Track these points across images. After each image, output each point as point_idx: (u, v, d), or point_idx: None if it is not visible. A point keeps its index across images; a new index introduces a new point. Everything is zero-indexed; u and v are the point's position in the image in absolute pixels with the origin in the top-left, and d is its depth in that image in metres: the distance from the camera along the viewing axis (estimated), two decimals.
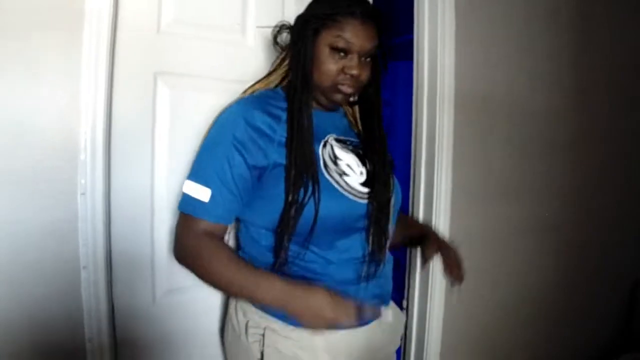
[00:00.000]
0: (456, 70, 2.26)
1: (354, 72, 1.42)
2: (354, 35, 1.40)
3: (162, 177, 1.82)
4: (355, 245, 1.48)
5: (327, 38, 1.42)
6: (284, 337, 1.43)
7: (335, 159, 1.47)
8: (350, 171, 1.48)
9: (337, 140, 1.54)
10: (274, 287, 1.33)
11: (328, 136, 1.53)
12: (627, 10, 3.11)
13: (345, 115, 1.70)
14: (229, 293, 1.55)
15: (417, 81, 2.33)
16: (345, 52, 1.42)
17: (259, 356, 1.46)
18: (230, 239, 1.70)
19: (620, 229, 3.23)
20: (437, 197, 2.26)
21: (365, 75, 1.47)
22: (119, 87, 1.70)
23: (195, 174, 1.44)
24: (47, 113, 1.54)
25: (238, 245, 1.65)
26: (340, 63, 1.43)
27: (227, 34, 1.90)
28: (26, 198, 1.52)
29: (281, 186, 1.39)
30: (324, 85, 1.46)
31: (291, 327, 1.42)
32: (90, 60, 1.59)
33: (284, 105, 1.48)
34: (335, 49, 1.41)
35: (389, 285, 1.64)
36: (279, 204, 1.40)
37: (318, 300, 1.29)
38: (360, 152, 1.57)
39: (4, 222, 1.49)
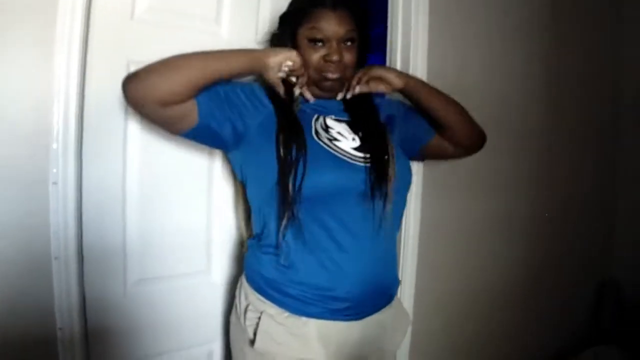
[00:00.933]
0: (429, 63, 2.28)
1: (334, 57, 1.49)
2: (326, 23, 1.48)
3: (134, 168, 1.81)
4: (355, 212, 1.47)
5: (304, 32, 1.51)
6: (278, 323, 1.46)
7: (326, 128, 1.52)
8: (341, 137, 1.51)
9: (331, 118, 1.59)
10: (238, 53, 1.47)
11: (323, 115, 1.58)
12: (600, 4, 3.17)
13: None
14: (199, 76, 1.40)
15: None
16: (323, 41, 1.49)
17: (252, 337, 1.48)
18: None
19: (588, 224, 3.29)
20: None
21: (348, 58, 1.53)
22: (92, 75, 1.68)
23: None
24: (20, 101, 1.53)
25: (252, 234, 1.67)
26: (320, 52, 1.50)
27: (202, 23, 1.88)
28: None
29: (271, 148, 1.44)
30: (312, 76, 1.53)
31: (286, 314, 1.46)
32: (63, 48, 1.56)
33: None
34: (313, 40, 1.49)
35: (393, 268, 1.68)
36: (272, 168, 1.42)
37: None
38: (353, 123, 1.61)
39: None
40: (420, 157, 1.87)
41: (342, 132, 1.53)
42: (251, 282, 1.56)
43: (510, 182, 2.76)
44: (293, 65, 1.46)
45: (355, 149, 1.50)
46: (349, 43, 1.53)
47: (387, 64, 2.33)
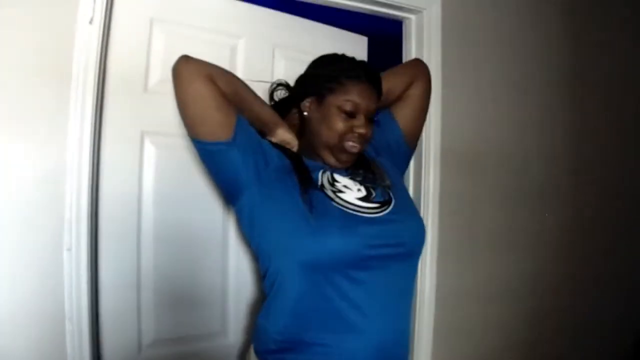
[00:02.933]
0: (442, 124, 2.29)
1: (362, 130, 1.50)
2: (360, 97, 1.49)
3: (149, 229, 1.89)
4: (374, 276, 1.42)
5: (335, 100, 1.50)
6: None
7: (333, 182, 1.51)
8: (346, 189, 1.50)
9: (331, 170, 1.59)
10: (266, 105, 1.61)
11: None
12: (624, 41, 3.10)
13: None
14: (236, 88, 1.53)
15: None
16: (354, 114, 1.50)
17: None
18: None
19: (616, 280, 3.13)
20: (423, 254, 2.23)
21: (370, 133, 1.54)
22: (107, 145, 1.79)
23: None
24: (34, 172, 1.63)
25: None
26: (348, 123, 1.50)
27: None
28: (15, 252, 1.60)
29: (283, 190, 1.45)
30: (331, 144, 1.52)
31: None
32: (77, 121, 1.67)
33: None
34: (344, 111, 1.49)
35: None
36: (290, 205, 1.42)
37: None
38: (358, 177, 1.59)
39: None
40: (411, 143, 1.85)
41: (348, 185, 1.53)
42: None
43: (532, 241, 2.69)
44: (289, 146, 1.59)
45: (360, 198, 1.49)
46: (371, 119, 1.55)
47: None
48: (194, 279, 1.97)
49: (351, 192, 1.50)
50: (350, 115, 1.49)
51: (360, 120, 1.50)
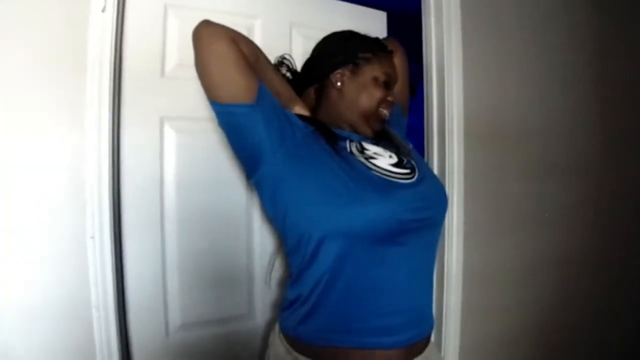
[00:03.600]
0: (465, 99, 2.25)
1: (392, 99, 1.55)
2: (391, 69, 1.57)
3: (172, 208, 1.90)
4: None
5: (372, 70, 1.53)
6: None
7: (362, 149, 1.49)
8: (377, 156, 1.48)
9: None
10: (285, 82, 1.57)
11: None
12: None
13: None
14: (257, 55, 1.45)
15: (427, 112, 2.34)
16: (387, 84, 1.54)
17: None
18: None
19: None
20: (449, 233, 2.25)
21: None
22: (126, 132, 1.80)
23: None
24: (54, 163, 1.64)
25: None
26: (384, 92, 1.54)
27: None
28: (38, 243, 1.62)
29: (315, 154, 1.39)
30: (369, 112, 1.53)
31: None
32: (94, 110, 1.68)
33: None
34: (380, 81, 1.53)
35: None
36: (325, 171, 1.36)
37: None
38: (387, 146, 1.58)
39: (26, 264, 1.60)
40: (406, 111, 1.91)
41: (378, 152, 1.51)
42: None
43: (560, 214, 2.63)
44: None
45: (394, 164, 1.46)
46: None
47: (424, 102, 2.34)
48: (219, 262, 1.98)
49: (383, 158, 1.47)
50: (386, 86, 1.54)
51: (391, 90, 1.56)
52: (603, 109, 2.76)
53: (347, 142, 1.50)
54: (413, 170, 1.47)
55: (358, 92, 1.52)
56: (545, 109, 2.56)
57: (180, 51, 1.86)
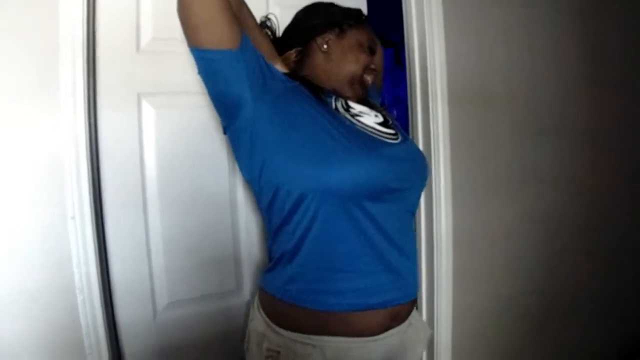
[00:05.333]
0: (448, 63, 2.22)
1: (373, 67, 1.54)
2: (374, 37, 1.58)
3: (153, 187, 1.87)
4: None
5: (358, 35, 1.54)
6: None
7: (347, 107, 1.49)
8: (363, 115, 1.49)
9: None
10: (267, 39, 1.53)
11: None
12: None
13: None
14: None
15: (410, 79, 2.30)
16: (372, 51, 1.55)
17: None
18: None
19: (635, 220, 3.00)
20: (437, 197, 2.23)
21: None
22: (103, 111, 1.76)
23: None
24: (31, 146, 1.61)
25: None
26: (368, 58, 1.53)
27: None
28: (18, 226, 1.60)
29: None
30: (355, 75, 1.51)
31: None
32: (68, 90, 1.63)
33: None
34: (366, 46, 1.53)
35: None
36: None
37: None
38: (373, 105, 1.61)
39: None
40: None
41: (363, 110, 1.51)
42: None
43: (548, 176, 2.62)
44: None
45: (380, 123, 1.48)
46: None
47: (407, 69, 2.31)
48: (205, 239, 1.96)
49: (369, 117, 1.49)
50: (371, 52, 1.54)
51: (376, 56, 1.57)
52: (592, 69, 2.74)
53: (332, 99, 1.49)
54: (397, 133, 1.48)
55: (344, 55, 1.52)
56: (532, 71, 2.54)
57: (156, 24, 1.81)
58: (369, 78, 1.53)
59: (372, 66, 1.53)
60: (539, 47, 2.54)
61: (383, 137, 1.40)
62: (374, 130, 1.41)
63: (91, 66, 1.71)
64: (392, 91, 3.53)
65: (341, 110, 1.45)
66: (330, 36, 1.53)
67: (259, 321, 1.42)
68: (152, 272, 1.88)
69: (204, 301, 1.98)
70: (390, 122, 1.54)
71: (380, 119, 1.52)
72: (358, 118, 1.44)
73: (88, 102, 1.68)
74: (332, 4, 1.61)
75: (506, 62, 2.44)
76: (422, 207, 2.28)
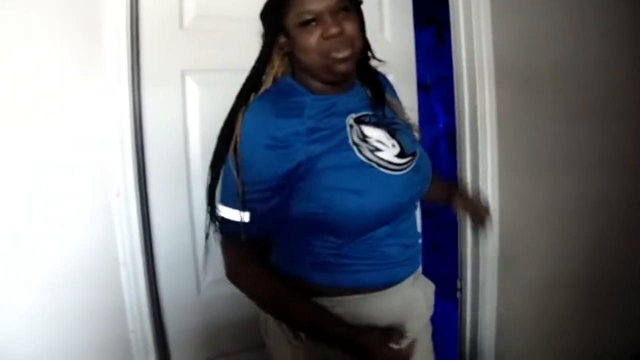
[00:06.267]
0: (494, 43, 2.18)
1: (334, 30, 1.26)
2: (312, 1, 1.27)
3: (198, 172, 1.87)
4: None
5: (291, 21, 1.29)
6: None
7: (364, 137, 1.39)
8: (382, 146, 1.39)
9: (358, 120, 1.43)
10: (338, 326, 1.35)
11: (349, 117, 1.42)
12: None
13: (362, 87, 1.55)
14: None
15: (456, 58, 2.26)
16: (315, 20, 1.27)
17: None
18: None
19: None
20: (483, 178, 2.21)
21: (350, 28, 1.30)
22: (147, 88, 1.76)
23: (228, 198, 1.35)
24: (75, 121, 1.62)
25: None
26: (316, 32, 1.28)
27: (250, 25, 1.89)
28: (63, 202, 1.61)
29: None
30: (318, 64, 1.32)
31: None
32: (112, 67, 1.65)
33: (302, 94, 1.39)
34: (303, 24, 1.28)
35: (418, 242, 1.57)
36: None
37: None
38: (389, 124, 1.48)
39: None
40: None
41: (382, 139, 1.41)
42: None
43: (596, 158, 2.56)
44: None
45: (398, 155, 1.41)
46: (344, 13, 1.30)
47: (453, 49, 2.27)
48: None
49: (387, 148, 1.40)
50: (314, 23, 1.27)
51: (326, 22, 1.26)
52: (638, 54, 2.66)
53: (348, 128, 1.38)
54: (413, 155, 1.44)
55: (298, 52, 1.34)
56: (579, 52, 2.48)
57: (198, 2, 1.81)
58: (337, 52, 1.29)
59: (332, 31, 1.26)
60: (586, 27, 2.50)
61: (398, 170, 1.38)
62: (391, 166, 1.37)
63: (135, 43, 1.71)
64: (436, 70, 3.55)
65: (359, 142, 1.37)
66: (282, 40, 1.36)
67: None
68: (195, 250, 1.89)
69: None
70: (406, 148, 1.44)
71: (397, 148, 1.42)
72: (377, 154, 1.37)
73: (132, 79, 1.69)
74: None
75: (553, 43, 2.40)
76: (469, 188, 2.24)
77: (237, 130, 1.31)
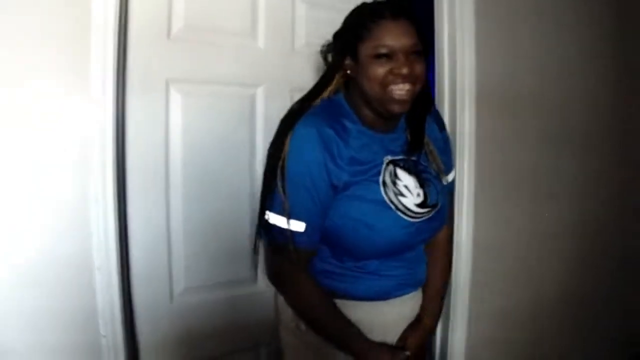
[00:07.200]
0: (477, 67, 2.21)
1: (404, 70, 1.35)
2: (390, 36, 1.35)
3: (177, 181, 1.90)
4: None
5: (366, 50, 1.37)
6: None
7: (395, 179, 1.47)
8: (407, 192, 1.47)
9: (394, 162, 1.50)
10: (355, 341, 1.48)
11: (385, 157, 1.49)
12: None
13: (405, 131, 1.59)
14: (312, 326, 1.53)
15: (438, 80, 2.29)
16: (388, 55, 1.35)
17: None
18: None
19: None
20: (459, 202, 2.22)
21: (418, 69, 1.39)
22: (132, 95, 1.77)
23: (277, 205, 1.41)
24: (58, 124, 1.62)
25: None
26: (386, 66, 1.36)
27: (238, 38, 1.93)
28: (40, 203, 1.61)
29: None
30: (378, 95, 1.39)
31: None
32: (98, 73, 1.65)
33: (351, 118, 1.47)
34: (377, 56, 1.36)
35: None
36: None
37: None
38: (421, 172, 1.54)
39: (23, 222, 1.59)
40: None
41: (409, 185, 1.48)
42: None
43: (573, 185, 2.60)
44: None
45: (418, 205, 1.48)
46: (415, 55, 1.38)
47: (435, 70, 2.30)
48: (223, 227, 1.98)
49: (411, 196, 1.47)
50: (386, 57, 1.35)
51: (399, 60, 1.35)
52: (623, 77, 2.70)
53: (384, 166, 1.47)
54: (434, 207, 1.52)
55: (362, 77, 1.40)
56: (562, 80, 2.52)
57: (187, 12, 1.83)
58: (396, 89, 1.37)
59: (402, 71, 1.35)
60: (569, 54, 2.54)
61: (415, 218, 1.47)
62: (410, 213, 1.46)
63: (122, 51, 1.72)
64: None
65: (389, 183, 1.45)
66: (347, 62, 1.44)
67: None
68: (170, 257, 1.91)
69: (220, 288, 2.01)
70: (429, 199, 1.51)
71: (421, 198, 1.48)
72: (400, 198, 1.45)
73: (117, 85, 1.69)
74: (354, 11, 1.47)
75: (535, 68, 2.44)
76: None
77: (287, 146, 1.37)
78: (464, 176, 2.21)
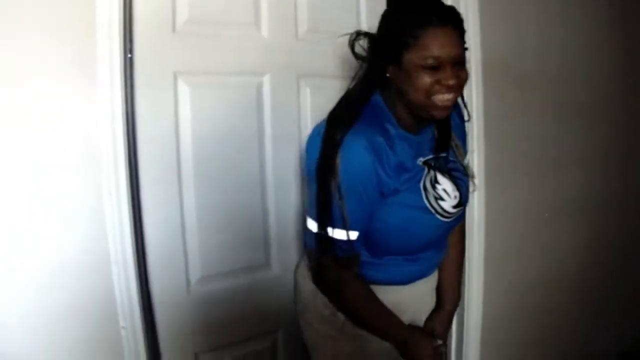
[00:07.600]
0: (482, 42, 2.20)
1: (451, 82, 1.34)
2: (440, 49, 1.32)
3: (189, 172, 1.92)
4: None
5: (413, 58, 1.34)
6: None
7: (434, 183, 1.50)
8: (445, 196, 1.50)
9: (428, 164, 1.52)
10: (399, 331, 1.57)
11: (418, 159, 1.51)
12: None
13: (432, 130, 1.60)
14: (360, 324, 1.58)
15: None
16: (437, 67, 1.33)
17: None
18: None
19: None
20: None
21: (462, 77, 1.39)
22: (140, 89, 1.78)
23: (338, 220, 1.41)
24: (68, 120, 1.64)
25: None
26: (434, 76, 1.34)
27: (242, 29, 1.94)
28: (54, 199, 1.63)
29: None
30: (422, 103, 1.38)
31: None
32: (105, 68, 1.66)
33: (391, 122, 1.47)
34: (425, 67, 1.33)
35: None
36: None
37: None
38: (453, 171, 1.57)
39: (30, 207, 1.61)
40: None
41: (448, 189, 1.52)
42: None
43: (581, 157, 2.60)
44: None
45: (454, 206, 1.52)
46: (460, 66, 1.38)
47: None
48: (236, 215, 2.01)
49: (449, 199, 1.51)
50: (434, 69, 1.33)
51: (446, 72, 1.33)
52: (628, 52, 2.68)
53: (424, 172, 1.50)
54: (464, 205, 1.59)
55: (407, 85, 1.38)
56: (566, 51, 2.51)
57: (191, 5, 1.83)
58: (442, 98, 1.37)
59: (449, 83, 1.34)
60: (574, 26, 2.53)
61: (449, 217, 1.52)
62: (446, 214, 1.51)
63: (128, 45, 1.73)
64: None
65: (429, 188, 1.49)
66: (391, 68, 1.41)
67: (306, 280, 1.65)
68: (185, 247, 1.93)
69: (235, 275, 2.04)
70: (464, 197, 1.57)
71: (457, 199, 1.53)
72: (440, 202, 1.49)
73: (125, 79, 1.71)
74: (396, 12, 1.43)
75: (541, 42, 2.43)
76: None
77: (338, 159, 1.36)
78: (474, 153, 2.22)
